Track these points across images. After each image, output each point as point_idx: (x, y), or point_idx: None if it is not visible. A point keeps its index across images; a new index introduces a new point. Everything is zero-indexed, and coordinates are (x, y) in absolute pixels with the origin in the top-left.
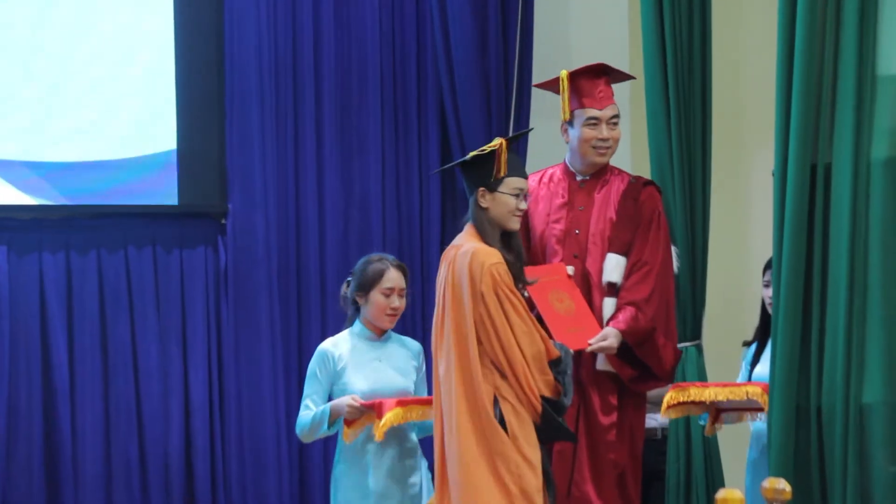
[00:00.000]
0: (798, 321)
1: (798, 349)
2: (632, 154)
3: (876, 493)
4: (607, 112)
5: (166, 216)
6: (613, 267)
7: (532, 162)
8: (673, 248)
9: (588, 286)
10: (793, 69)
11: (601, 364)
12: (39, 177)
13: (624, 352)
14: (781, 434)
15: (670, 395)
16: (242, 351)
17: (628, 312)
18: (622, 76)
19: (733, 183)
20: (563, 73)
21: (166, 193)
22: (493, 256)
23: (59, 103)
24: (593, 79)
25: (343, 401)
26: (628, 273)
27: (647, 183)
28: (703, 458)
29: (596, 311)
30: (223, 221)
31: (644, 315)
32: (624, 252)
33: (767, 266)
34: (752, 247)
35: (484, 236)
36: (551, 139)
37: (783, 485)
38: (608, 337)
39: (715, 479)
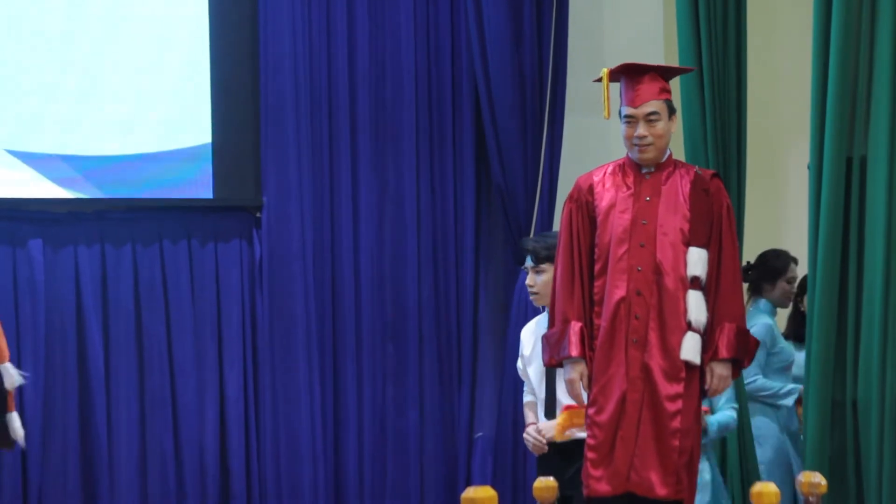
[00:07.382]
0: (834, 315)
1: (834, 343)
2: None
3: None
4: (643, 109)
5: (201, 209)
6: (696, 260)
7: (567, 156)
8: None
9: (659, 274)
10: (828, 62)
11: (685, 354)
12: (74, 170)
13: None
14: (817, 428)
15: (563, 418)
16: (277, 344)
17: (731, 332)
18: (674, 71)
19: (768, 176)
20: (605, 72)
21: (201, 187)
22: None
23: (94, 97)
24: (629, 76)
25: None
26: (715, 284)
27: (714, 175)
28: (738, 452)
29: (670, 296)
30: (258, 215)
31: (740, 326)
32: (703, 244)
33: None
34: (787, 240)
35: None
36: (586, 133)
37: (819, 478)
38: (721, 369)
39: (750, 473)
